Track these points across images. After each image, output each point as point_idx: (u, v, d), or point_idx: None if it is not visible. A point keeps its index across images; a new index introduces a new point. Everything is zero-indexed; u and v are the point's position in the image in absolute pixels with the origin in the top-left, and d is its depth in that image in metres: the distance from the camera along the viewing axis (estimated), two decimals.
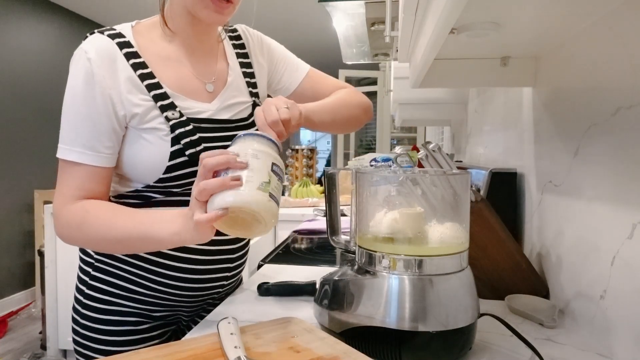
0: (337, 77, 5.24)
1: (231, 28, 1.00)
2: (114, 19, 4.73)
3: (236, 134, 0.73)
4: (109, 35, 0.82)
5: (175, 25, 0.87)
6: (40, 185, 4.07)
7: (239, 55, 0.98)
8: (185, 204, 0.82)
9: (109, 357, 0.62)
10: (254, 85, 0.97)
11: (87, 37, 0.83)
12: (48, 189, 4.05)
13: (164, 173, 0.81)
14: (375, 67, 4.63)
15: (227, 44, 0.97)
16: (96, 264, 0.89)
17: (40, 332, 3.06)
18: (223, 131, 0.88)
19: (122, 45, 0.82)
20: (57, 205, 0.80)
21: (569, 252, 0.84)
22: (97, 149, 0.79)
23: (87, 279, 0.89)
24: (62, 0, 4.25)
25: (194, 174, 0.82)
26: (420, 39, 0.85)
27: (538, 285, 0.91)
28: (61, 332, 2.74)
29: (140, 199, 0.85)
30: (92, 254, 0.90)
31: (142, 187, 0.84)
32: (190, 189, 0.81)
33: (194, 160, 0.82)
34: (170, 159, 0.81)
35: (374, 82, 5.36)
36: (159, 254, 0.86)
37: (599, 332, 0.71)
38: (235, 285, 1.03)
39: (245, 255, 1.00)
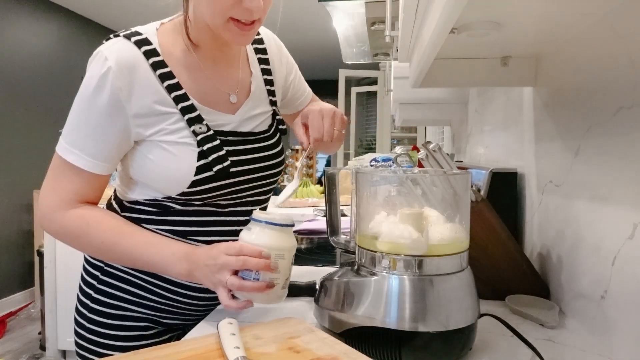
0: (337, 77, 5.26)
1: None
2: (114, 19, 4.73)
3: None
4: (135, 42, 0.78)
5: (197, 36, 0.83)
6: (39, 185, 4.01)
7: (261, 61, 0.96)
8: (204, 214, 0.85)
9: (109, 358, 0.61)
10: (273, 94, 0.96)
11: (110, 38, 0.79)
12: None
13: (188, 187, 0.80)
14: (375, 66, 4.62)
15: (250, 49, 0.95)
16: (106, 267, 0.88)
17: (39, 333, 3.05)
18: (247, 144, 0.87)
19: (148, 54, 0.78)
20: (50, 205, 0.80)
21: (570, 252, 0.84)
22: (98, 158, 0.78)
23: (94, 282, 0.88)
24: (62, 0, 4.25)
25: (217, 188, 0.82)
26: (420, 39, 0.84)
27: (538, 286, 0.91)
28: (60, 333, 2.73)
29: (158, 208, 0.84)
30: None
31: (162, 197, 0.83)
32: (211, 202, 0.84)
33: (220, 175, 0.81)
34: (196, 174, 0.79)
35: (374, 82, 5.36)
36: None
37: (600, 333, 0.71)
38: None
39: None
